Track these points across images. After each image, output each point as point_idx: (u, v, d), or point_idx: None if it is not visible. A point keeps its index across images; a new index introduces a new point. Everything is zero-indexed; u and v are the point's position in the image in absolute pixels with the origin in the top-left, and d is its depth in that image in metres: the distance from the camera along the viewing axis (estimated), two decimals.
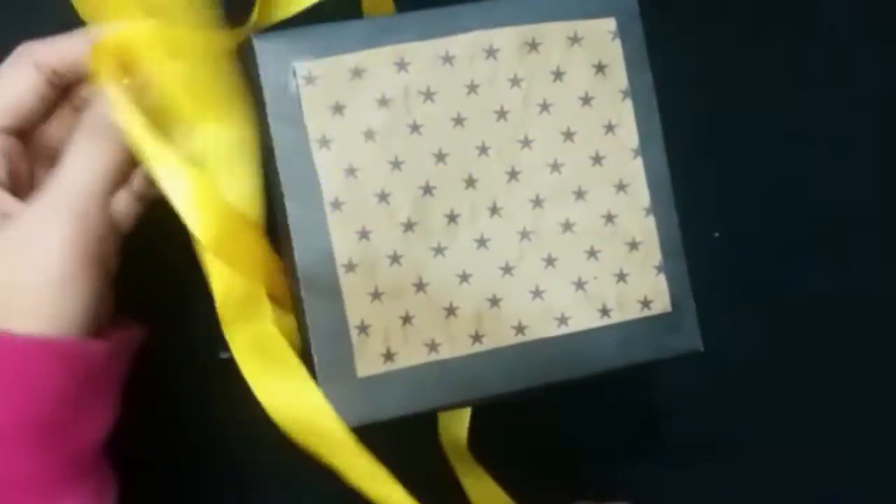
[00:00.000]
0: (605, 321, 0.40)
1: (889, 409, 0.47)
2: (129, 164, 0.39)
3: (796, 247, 0.53)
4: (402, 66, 0.40)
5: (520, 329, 0.40)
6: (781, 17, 0.55)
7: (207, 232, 0.37)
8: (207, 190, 0.37)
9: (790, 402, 0.53)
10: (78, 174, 0.37)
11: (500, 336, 0.39)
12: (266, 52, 0.39)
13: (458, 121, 0.40)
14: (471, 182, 0.40)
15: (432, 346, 0.39)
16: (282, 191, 0.39)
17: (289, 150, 0.39)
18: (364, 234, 0.39)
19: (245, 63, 0.40)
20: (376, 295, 0.39)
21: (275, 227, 0.40)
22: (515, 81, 0.40)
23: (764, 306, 0.53)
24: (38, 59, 0.39)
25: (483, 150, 0.40)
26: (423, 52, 0.40)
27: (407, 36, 0.40)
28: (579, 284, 0.40)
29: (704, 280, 0.43)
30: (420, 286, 0.39)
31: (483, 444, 0.47)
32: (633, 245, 0.41)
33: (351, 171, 0.39)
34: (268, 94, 0.39)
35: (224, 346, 0.39)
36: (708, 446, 0.45)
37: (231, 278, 0.38)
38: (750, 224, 0.53)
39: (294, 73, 0.39)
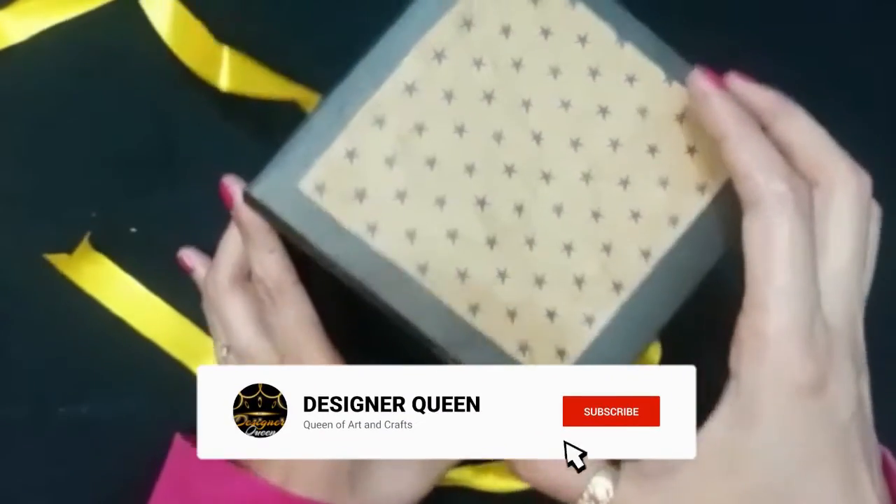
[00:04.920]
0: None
1: (890, 407, 0.47)
2: None
3: None
4: (380, 122, 0.39)
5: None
6: (781, 18, 0.55)
7: None
8: None
9: None
10: None
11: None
12: (268, 194, 0.38)
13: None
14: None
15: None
16: (373, 291, 0.39)
17: (353, 256, 0.39)
18: (462, 276, 0.39)
19: (257, 213, 0.40)
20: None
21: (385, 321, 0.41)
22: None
23: None
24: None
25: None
26: (390, 101, 0.39)
27: (366, 93, 0.39)
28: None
29: (704, 280, 0.43)
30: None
31: None
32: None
33: (411, 235, 0.39)
34: (300, 226, 0.38)
35: None
36: None
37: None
38: None
39: (302, 194, 0.38)
